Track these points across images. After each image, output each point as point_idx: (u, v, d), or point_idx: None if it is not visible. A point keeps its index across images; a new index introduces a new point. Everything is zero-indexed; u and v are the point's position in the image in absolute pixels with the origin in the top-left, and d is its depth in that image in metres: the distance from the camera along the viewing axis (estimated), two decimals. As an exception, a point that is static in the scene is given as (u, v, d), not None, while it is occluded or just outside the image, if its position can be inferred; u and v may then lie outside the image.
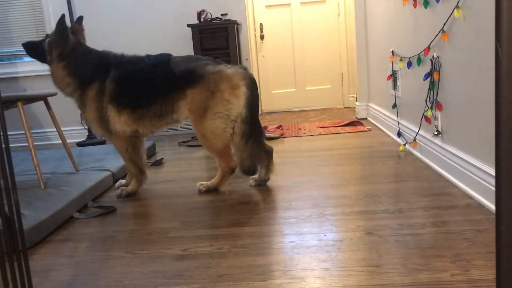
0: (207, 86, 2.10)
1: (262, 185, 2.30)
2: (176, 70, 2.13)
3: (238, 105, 2.11)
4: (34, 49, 2.28)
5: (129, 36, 4.25)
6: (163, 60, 2.19)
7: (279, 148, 3.15)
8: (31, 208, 1.94)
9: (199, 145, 3.55)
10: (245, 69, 2.19)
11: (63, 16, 2.17)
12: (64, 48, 2.18)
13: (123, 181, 2.44)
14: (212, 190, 2.26)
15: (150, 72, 2.17)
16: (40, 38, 2.31)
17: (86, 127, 4.28)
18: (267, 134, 3.55)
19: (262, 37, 5.14)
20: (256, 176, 2.31)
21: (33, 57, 2.32)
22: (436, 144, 2.29)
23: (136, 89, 2.18)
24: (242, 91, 2.12)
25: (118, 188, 2.38)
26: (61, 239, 1.81)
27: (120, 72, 2.17)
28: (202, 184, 2.29)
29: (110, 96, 2.16)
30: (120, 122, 2.18)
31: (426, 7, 2.33)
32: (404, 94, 2.87)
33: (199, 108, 2.13)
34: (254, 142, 2.18)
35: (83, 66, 2.19)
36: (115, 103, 2.16)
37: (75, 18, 4.14)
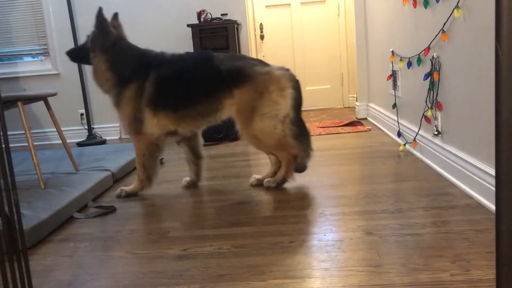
0: (256, 86, 2.09)
1: (263, 185, 2.30)
2: (223, 68, 2.11)
3: (285, 106, 2.11)
4: (78, 53, 2.28)
5: (129, 36, 4.21)
6: (207, 58, 2.17)
7: (279, 148, 3.15)
8: (31, 208, 1.94)
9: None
10: (289, 70, 2.19)
11: (100, 8, 2.16)
12: (106, 40, 2.17)
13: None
14: (282, 184, 2.24)
15: (194, 70, 2.15)
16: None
17: (86, 127, 4.28)
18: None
19: (262, 37, 5.14)
20: (259, 176, 2.32)
21: (80, 62, 2.31)
22: (436, 144, 2.29)
23: (180, 89, 2.15)
24: (289, 92, 2.12)
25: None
26: (61, 239, 1.81)
27: (161, 73, 2.14)
28: (269, 181, 2.25)
29: (149, 99, 2.13)
30: (152, 124, 2.16)
31: (426, 7, 2.33)
32: (404, 94, 2.87)
33: (247, 109, 2.11)
34: (307, 141, 2.22)
35: (123, 62, 2.17)
36: (153, 105, 2.14)
37: (75, 18, 4.16)
